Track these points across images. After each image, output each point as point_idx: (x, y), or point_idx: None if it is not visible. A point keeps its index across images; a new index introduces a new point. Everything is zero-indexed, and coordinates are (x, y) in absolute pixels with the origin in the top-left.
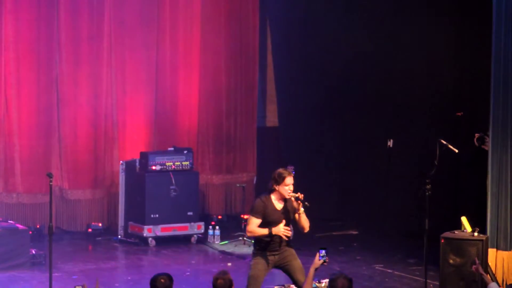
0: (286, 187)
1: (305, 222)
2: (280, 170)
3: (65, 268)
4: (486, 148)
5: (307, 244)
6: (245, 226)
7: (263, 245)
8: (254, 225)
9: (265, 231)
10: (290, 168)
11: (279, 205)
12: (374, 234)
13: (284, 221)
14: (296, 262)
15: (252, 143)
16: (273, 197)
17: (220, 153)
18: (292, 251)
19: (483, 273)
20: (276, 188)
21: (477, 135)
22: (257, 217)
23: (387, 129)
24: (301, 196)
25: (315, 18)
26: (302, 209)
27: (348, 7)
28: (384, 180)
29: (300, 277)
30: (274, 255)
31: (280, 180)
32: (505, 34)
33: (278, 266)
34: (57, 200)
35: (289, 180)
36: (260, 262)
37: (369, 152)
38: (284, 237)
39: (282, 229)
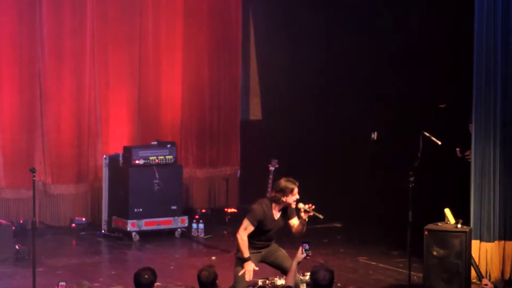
0: (293, 197)
1: (303, 228)
2: (285, 182)
3: (49, 263)
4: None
5: (290, 238)
6: (229, 219)
7: (250, 244)
8: (246, 234)
9: (246, 253)
10: (274, 161)
11: (277, 215)
12: (358, 227)
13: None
14: (281, 252)
15: (235, 136)
16: (274, 206)
17: (203, 147)
18: (275, 245)
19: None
20: (284, 199)
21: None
22: (253, 224)
23: (371, 122)
24: (311, 207)
25: (298, 11)
26: (307, 219)
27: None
28: (368, 173)
29: (288, 264)
30: (259, 252)
31: (288, 191)
32: (487, 25)
33: (263, 260)
34: (41, 195)
35: (296, 190)
36: None
37: (353, 144)
38: (246, 276)
39: (248, 271)
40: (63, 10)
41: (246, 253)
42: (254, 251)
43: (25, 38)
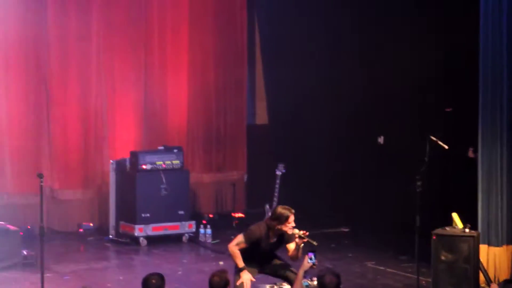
0: (289, 225)
1: (298, 253)
2: (281, 210)
3: (57, 269)
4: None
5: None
6: (236, 224)
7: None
8: (237, 247)
9: (240, 263)
10: (281, 166)
11: (273, 238)
12: (365, 231)
13: (251, 279)
14: (277, 261)
15: (242, 141)
16: (270, 231)
17: (210, 151)
18: (273, 259)
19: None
20: (279, 227)
21: (471, 149)
22: (246, 243)
23: (378, 126)
24: (306, 233)
25: (304, 14)
26: (302, 245)
27: (337, 2)
28: (375, 177)
29: (288, 272)
30: (255, 267)
31: (284, 220)
32: (492, 29)
33: (264, 272)
34: (48, 200)
35: (292, 218)
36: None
37: (360, 148)
38: (244, 286)
39: (245, 280)
40: (69, 16)
41: (240, 263)
42: (249, 268)
43: (31, 43)
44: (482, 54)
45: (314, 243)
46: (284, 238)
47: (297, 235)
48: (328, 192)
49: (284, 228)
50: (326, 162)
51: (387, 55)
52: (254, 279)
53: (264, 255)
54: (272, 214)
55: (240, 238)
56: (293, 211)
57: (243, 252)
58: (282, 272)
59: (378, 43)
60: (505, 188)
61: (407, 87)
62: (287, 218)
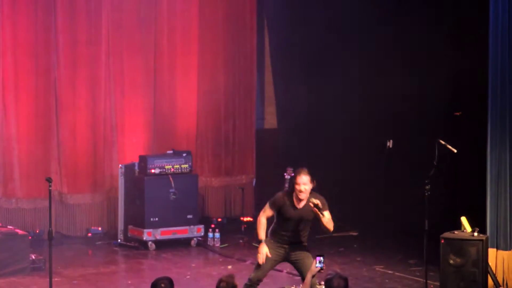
0: (297, 186)
1: (327, 225)
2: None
3: (65, 273)
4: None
5: (307, 247)
6: (245, 228)
7: (276, 235)
8: (264, 217)
9: (260, 234)
10: (289, 170)
11: (299, 204)
12: (374, 235)
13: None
14: (309, 261)
15: (251, 145)
16: (294, 195)
17: (219, 155)
18: (306, 253)
19: None
20: (294, 189)
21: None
22: (271, 209)
23: (386, 130)
24: (316, 202)
25: (314, 19)
26: (322, 214)
27: (346, 7)
28: (384, 181)
29: (304, 272)
30: (283, 247)
31: (294, 180)
32: (501, 34)
33: (287, 258)
34: (57, 204)
35: (299, 179)
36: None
37: (369, 152)
38: (259, 259)
39: (261, 253)
40: (78, 19)
41: (261, 234)
42: (278, 244)
43: (40, 47)
44: (491, 58)
45: (321, 214)
46: (309, 208)
47: (311, 203)
48: (336, 195)
49: (296, 189)
50: (335, 166)
51: (397, 61)
52: (269, 255)
53: (294, 229)
54: None
55: (266, 205)
56: (304, 170)
57: (277, 226)
58: (302, 268)
59: (389, 49)
60: None
61: (417, 90)
62: (295, 177)
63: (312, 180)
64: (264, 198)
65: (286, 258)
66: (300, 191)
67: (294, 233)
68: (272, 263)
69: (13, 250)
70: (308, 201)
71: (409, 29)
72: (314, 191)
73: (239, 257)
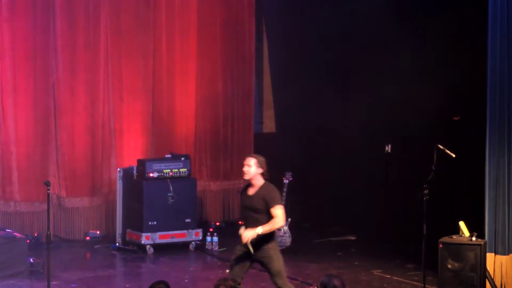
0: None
1: (274, 229)
2: None
3: (63, 277)
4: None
5: (305, 251)
6: None
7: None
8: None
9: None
10: (288, 174)
11: (251, 191)
12: (372, 240)
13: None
14: (273, 266)
15: (249, 149)
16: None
17: (217, 159)
18: (270, 251)
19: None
20: None
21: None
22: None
23: (385, 134)
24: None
25: (312, 23)
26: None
27: (345, 10)
28: (382, 185)
29: (277, 279)
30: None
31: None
32: (500, 39)
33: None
34: (55, 208)
35: (245, 160)
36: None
37: (367, 157)
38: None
39: (241, 233)
40: (77, 23)
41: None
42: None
43: (39, 51)
44: (490, 64)
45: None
46: (260, 196)
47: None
48: (335, 200)
49: None
50: (333, 171)
51: (395, 66)
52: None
53: (247, 215)
54: None
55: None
56: (254, 154)
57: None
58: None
59: (388, 55)
60: None
61: (416, 95)
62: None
63: (259, 165)
64: None
65: (255, 260)
66: (243, 172)
67: (247, 218)
68: (243, 264)
69: (12, 253)
70: (261, 190)
71: (407, 34)
72: (269, 182)
73: None
